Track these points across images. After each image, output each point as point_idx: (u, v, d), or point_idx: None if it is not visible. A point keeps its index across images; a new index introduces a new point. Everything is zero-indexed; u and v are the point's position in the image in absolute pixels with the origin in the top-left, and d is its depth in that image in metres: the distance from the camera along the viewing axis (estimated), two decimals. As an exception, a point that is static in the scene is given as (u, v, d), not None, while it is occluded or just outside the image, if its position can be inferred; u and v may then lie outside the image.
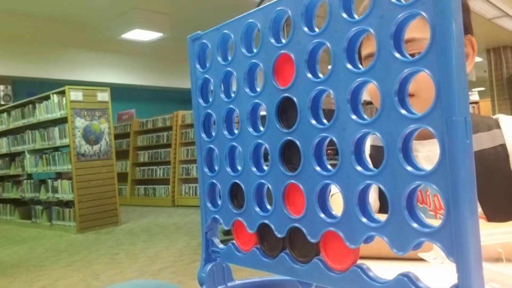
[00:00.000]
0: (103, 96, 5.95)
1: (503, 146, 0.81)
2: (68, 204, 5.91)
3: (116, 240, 5.02)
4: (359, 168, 0.35)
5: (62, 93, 5.69)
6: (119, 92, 8.21)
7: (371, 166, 0.35)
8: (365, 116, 0.35)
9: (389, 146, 0.33)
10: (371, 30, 0.34)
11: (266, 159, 0.45)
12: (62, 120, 5.79)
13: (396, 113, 0.33)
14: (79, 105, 5.68)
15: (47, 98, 5.97)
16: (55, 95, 5.82)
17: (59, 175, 6.10)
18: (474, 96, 11.17)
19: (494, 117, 0.89)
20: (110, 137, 5.99)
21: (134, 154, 8.86)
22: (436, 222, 0.31)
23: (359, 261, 0.37)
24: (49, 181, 6.14)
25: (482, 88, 12.82)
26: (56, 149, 6.07)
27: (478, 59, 10.77)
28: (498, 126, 0.85)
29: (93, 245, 4.80)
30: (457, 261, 0.29)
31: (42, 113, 6.12)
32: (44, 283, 3.43)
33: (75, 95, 5.67)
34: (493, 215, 0.73)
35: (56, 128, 5.94)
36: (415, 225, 0.32)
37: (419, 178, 0.31)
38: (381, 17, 0.33)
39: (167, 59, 8.94)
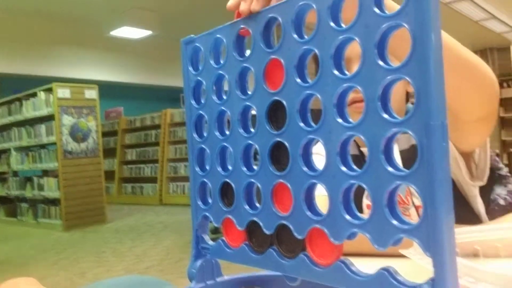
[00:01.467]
0: (91, 93, 5.91)
1: (414, 146, 0.87)
2: (54, 202, 5.86)
3: (103, 238, 5.00)
4: (344, 168, 0.37)
5: (49, 90, 5.64)
6: (107, 90, 8.14)
7: (354, 167, 0.37)
8: (350, 120, 0.37)
9: (372, 148, 0.35)
10: (357, 39, 0.36)
11: (255, 159, 0.47)
12: (49, 118, 5.74)
13: (379, 117, 0.35)
14: (66, 102, 5.64)
15: (34, 95, 5.92)
16: (42, 92, 5.77)
17: (45, 173, 6.05)
18: (460, 98, 11.27)
19: None
20: (98, 135, 5.96)
21: (122, 152, 8.82)
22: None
23: (343, 257, 0.39)
24: (35, 178, 6.08)
25: (468, 90, 12.96)
26: (43, 146, 6.02)
27: (464, 61, 10.87)
28: None
29: (80, 243, 4.77)
30: (433, 256, 0.31)
31: (28, 110, 6.06)
32: (29, 281, 3.41)
33: (63, 92, 5.63)
34: None
35: (43, 126, 5.88)
36: (395, 222, 0.34)
37: (399, 178, 0.34)
38: (366, 27, 0.35)
39: (156, 57, 8.90)
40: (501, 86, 9.17)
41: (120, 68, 8.67)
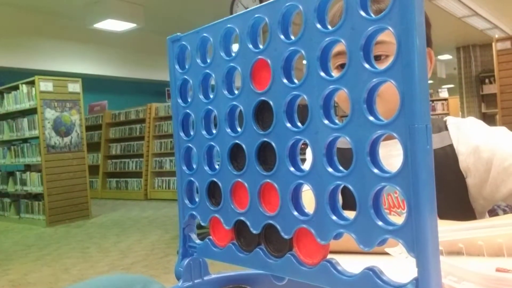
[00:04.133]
0: (74, 87, 5.84)
1: (451, 146, 0.87)
2: (37, 197, 5.79)
3: (87, 233, 4.96)
4: (330, 169, 0.38)
5: (32, 83, 5.55)
6: (91, 83, 8.05)
7: (341, 168, 0.38)
8: (337, 121, 0.38)
9: (357, 150, 0.36)
10: (343, 41, 0.36)
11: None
12: (32, 111, 5.66)
13: (364, 119, 0.35)
14: (49, 95, 5.56)
15: (16, 88, 5.82)
16: (24, 85, 5.67)
17: (28, 167, 5.97)
18: (443, 93, 11.42)
19: (444, 119, 0.94)
20: (82, 129, 5.89)
21: (106, 147, 8.74)
22: (398, 219, 0.34)
23: (329, 256, 0.40)
24: (18, 173, 6.00)
25: (452, 85, 13.16)
26: (25, 140, 5.93)
27: (448, 56, 11.03)
28: (446, 128, 0.90)
29: (63, 239, 4.73)
30: (417, 257, 0.32)
31: (10, 103, 5.96)
32: (12, 277, 3.37)
33: (45, 85, 5.55)
34: (443, 211, 0.78)
35: (25, 119, 5.80)
36: (380, 223, 0.34)
37: (385, 180, 0.34)
38: (352, 29, 0.36)
39: (141, 50, 8.82)
40: (483, 82, 9.31)
41: (104, 61, 8.56)
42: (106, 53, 8.49)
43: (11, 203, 6.14)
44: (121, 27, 7.23)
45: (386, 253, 0.56)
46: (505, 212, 0.97)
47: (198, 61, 0.51)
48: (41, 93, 5.48)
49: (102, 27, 7.14)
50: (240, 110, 0.46)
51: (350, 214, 0.38)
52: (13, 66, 7.21)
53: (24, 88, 5.68)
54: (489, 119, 8.89)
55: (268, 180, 0.43)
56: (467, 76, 9.69)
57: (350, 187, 0.36)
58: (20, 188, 5.93)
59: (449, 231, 0.57)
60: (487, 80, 9.22)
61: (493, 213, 0.98)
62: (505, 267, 0.50)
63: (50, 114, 5.57)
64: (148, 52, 8.75)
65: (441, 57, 11.21)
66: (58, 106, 5.66)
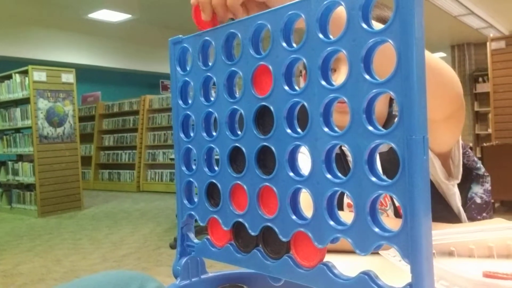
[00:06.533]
0: (68, 77, 5.80)
1: None
2: (29, 187, 5.77)
3: (79, 225, 4.96)
4: (328, 176, 0.39)
5: (25, 72, 5.51)
6: (85, 74, 8.00)
7: (339, 174, 0.39)
8: (336, 129, 0.39)
9: (356, 158, 0.37)
10: (344, 51, 0.37)
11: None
12: (24, 101, 5.62)
13: (363, 129, 0.36)
14: (42, 86, 5.53)
15: (8, 77, 5.77)
16: (17, 75, 5.63)
17: (20, 157, 5.94)
18: (437, 91, 11.42)
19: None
20: (75, 119, 5.86)
21: (99, 138, 8.70)
22: (392, 224, 0.35)
23: (326, 257, 0.41)
24: (10, 163, 5.97)
25: (445, 84, 13.17)
26: (18, 130, 5.90)
27: (442, 54, 11.07)
28: None
29: (55, 230, 4.72)
30: (411, 263, 0.33)
31: (3, 92, 5.92)
32: (4, 267, 3.37)
33: (39, 75, 5.51)
34: None
35: (18, 109, 5.76)
36: (376, 229, 0.36)
37: (382, 188, 0.35)
38: (354, 40, 0.37)
39: (136, 41, 8.76)
40: (476, 81, 9.35)
41: (98, 52, 8.50)
42: (100, 43, 8.43)
43: (2, 193, 6.11)
44: (116, 17, 7.18)
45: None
46: (482, 199, 0.99)
47: (200, 64, 0.51)
48: (34, 82, 5.45)
49: (97, 17, 7.09)
50: (241, 114, 0.47)
51: (346, 218, 0.39)
52: (6, 55, 7.14)
53: (17, 78, 5.64)
54: (481, 118, 8.95)
55: (267, 184, 0.44)
56: (461, 74, 9.72)
57: (348, 193, 0.37)
58: (12, 178, 5.90)
59: (441, 234, 0.58)
60: (480, 79, 9.26)
61: (471, 201, 0.99)
62: (492, 270, 0.52)
63: (43, 104, 5.54)
64: (143, 43, 8.70)
65: (435, 55, 11.25)
66: (51, 96, 5.63)
